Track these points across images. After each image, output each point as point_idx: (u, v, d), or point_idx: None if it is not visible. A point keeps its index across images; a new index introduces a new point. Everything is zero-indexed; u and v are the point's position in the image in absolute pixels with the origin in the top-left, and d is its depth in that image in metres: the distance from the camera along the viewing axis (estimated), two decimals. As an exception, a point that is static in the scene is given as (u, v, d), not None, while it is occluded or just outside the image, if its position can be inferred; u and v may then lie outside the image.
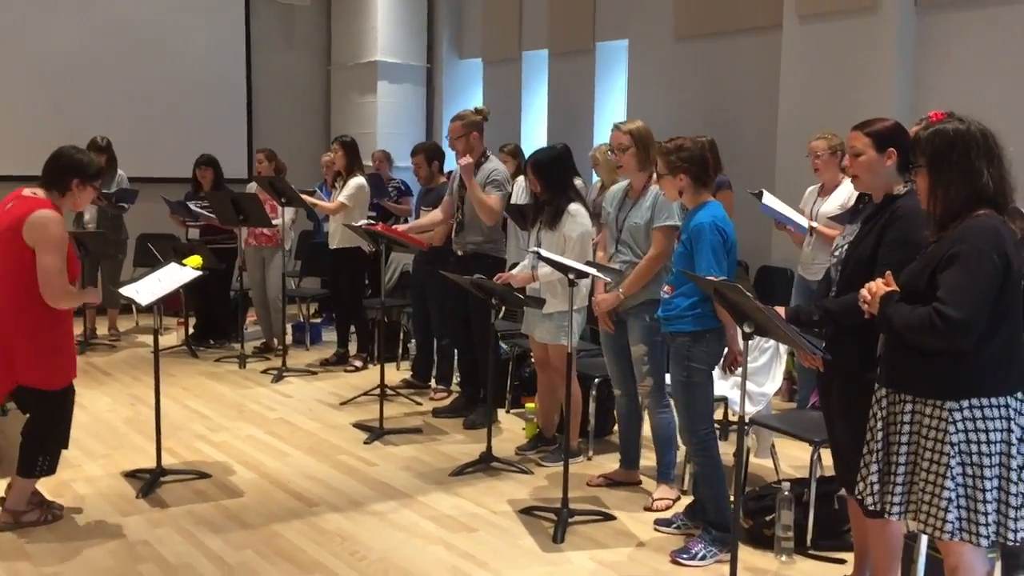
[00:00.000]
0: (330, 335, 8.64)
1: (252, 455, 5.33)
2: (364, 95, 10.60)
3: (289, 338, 7.95)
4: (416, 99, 10.73)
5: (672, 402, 4.52)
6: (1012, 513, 2.67)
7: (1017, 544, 2.70)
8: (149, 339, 8.47)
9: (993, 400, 2.68)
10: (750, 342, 3.40)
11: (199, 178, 8.19)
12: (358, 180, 7.18)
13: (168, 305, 6.06)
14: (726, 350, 4.12)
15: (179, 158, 8.96)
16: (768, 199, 5.58)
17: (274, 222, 7.42)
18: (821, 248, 5.57)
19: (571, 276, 4.25)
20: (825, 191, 5.73)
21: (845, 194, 5.52)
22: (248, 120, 10.65)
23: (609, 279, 4.45)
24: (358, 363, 7.50)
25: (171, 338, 8.19)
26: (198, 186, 8.20)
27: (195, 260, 4.98)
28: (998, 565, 2.90)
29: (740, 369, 4.87)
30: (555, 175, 5.03)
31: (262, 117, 10.71)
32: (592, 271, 4.29)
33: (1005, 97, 5.80)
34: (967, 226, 2.68)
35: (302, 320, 8.69)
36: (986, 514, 2.67)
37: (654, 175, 4.53)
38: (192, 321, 8.25)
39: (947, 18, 6.28)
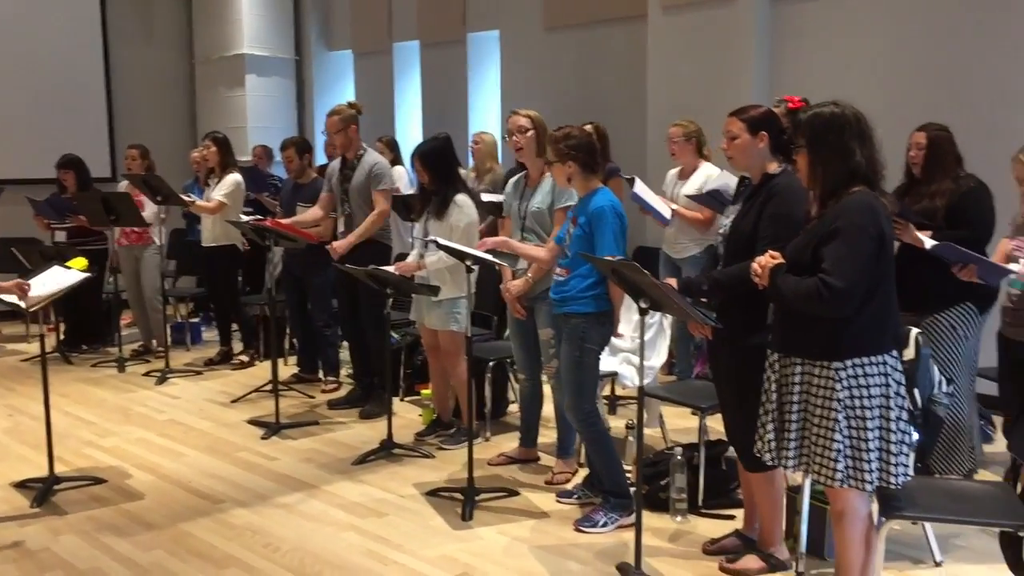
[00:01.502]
0: (211, 334, 8.51)
1: (147, 458, 5.24)
2: (232, 89, 10.40)
3: (168, 339, 7.77)
4: (286, 92, 10.60)
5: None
6: (892, 460, 2.96)
7: (899, 487, 3.00)
8: (15, 347, 8.21)
9: (873, 359, 2.96)
10: (636, 318, 3.62)
11: (61, 180, 7.89)
12: (235, 177, 7.11)
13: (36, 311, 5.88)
14: None
15: (39, 158, 8.62)
16: (639, 187, 5.83)
17: (147, 220, 7.28)
18: (684, 229, 5.89)
19: (468, 263, 4.38)
20: (684, 174, 6.03)
21: (702, 177, 5.84)
22: (109, 117, 10.30)
23: (505, 264, 4.60)
24: (245, 359, 7.42)
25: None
26: (63, 188, 7.90)
27: (79, 262, 4.86)
28: (875, 507, 3.19)
29: (628, 345, 5.14)
30: (442, 166, 5.13)
31: (123, 113, 10.37)
32: (488, 257, 4.43)
33: (855, 82, 6.24)
34: (845, 203, 2.95)
35: (180, 320, 8.51)
36: (870, 462, 2.95)
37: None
38: (63, 327, 7.96)
39: (801, 8, 6.69)
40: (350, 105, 6.00)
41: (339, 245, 5.75)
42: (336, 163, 6.08)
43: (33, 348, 7.94)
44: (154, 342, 7.82)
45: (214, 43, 10.55)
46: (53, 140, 8.82)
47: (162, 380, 6.94)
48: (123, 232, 7.54)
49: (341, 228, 6.01)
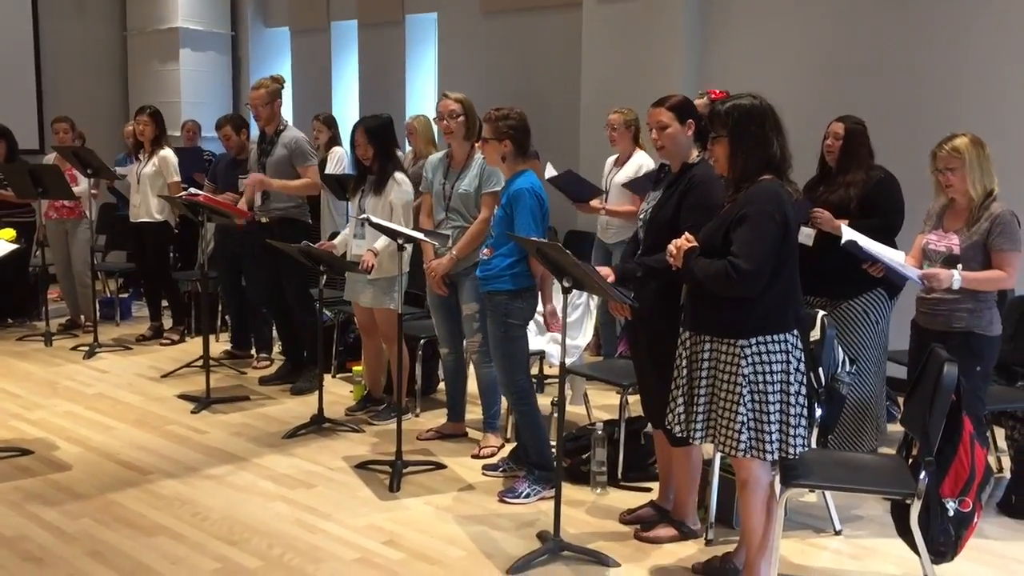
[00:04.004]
0: (140, 310, 8.48)
1: (74, 430, 5.25)
2: (165, 63, 10.28)
3: (96, 314, 7.72)
4: (221, 68, 10.51)
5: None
6: (791, 431, 3.16)
7: (796, 457, 3.21)
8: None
9: (776, 337, 3.15)
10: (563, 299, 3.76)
11: (-10, 150, 7.76)
12: (171, 152, 7.11)
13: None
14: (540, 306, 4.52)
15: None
16: (548, 171, 5.96)
17: (76, 193, 7.22)
18: (615, 216, 6.04)
19: (400, 241, 4.48)
20: (620, 161, 6.19)
21: (635, 166, 6.00)
22: (37, 89, 10.12)
23: (437, 243, 4.71)
24: (175, 336, 7.42)
25: (-35, 318, 7.77)
26: (-10, 158, 7.78)
27: (8, 233, 4.85)
28: (777, 477, 3.38)
29: (555, 324, 5.30)
30: (385, 142, 5.22)
31: (53, 86, 10.19)
32: (420, 236, 4.54)
33: (781, 72, 6.48)
34: (754, 190, 3.13)
35: (109, 295, 8.45)
36: (771, 433, 3.15)
37: (476, 144, 4.83)
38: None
39: (729, 0, 6.90)
40: (273, 79, 6.04)
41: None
42: (257, 138, 6.12)
43: (-43, 321, 7.82)
44: (82, 317, 7.76)
45: (148, 16, 10.41)
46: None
47: (91, 354, 6.91)
48: (52, 205, 7.46)
49: (258, 203, 6.02)
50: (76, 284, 7.66)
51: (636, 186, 5.77)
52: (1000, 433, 4.79)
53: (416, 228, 4.87)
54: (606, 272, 3.65)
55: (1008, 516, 4.19)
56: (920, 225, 4.21)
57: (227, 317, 7.62)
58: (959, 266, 3.84)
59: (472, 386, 5.19)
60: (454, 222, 4.81)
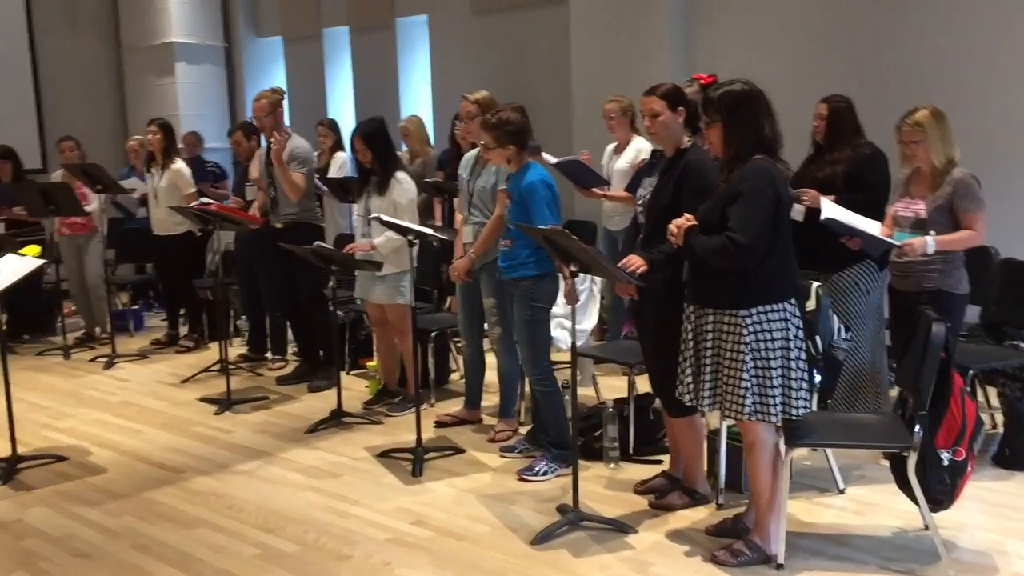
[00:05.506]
0: (151, 320, 8.69)
1: (105, 436, 5.45)
2: (161, 77, 10.46)
3: (109, 327, 7.91)
4: (216, 80, 10.69)
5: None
6: (793, 394, 3.37)
7: (798, 419, 3.42)
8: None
9: (775, 306, 3.36)
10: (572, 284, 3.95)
11: (-3, 172, 7.95)
12: (183, 165, 7.29)
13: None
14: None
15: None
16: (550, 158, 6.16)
17: (87, 209, 7.41)
18: (618, 203, 6.23)
19: (410, 238, 4.68)
20: (619, 149, 6.38)
21: (634, 151, 6.18)
22: (37, 109, 10.30)
23: (445, 237, 4.90)
24: (190, 343, 7.60)
25: (-18, 335, 7.94)
26: (-2, 179, 7.96)
27: (33, 249, 5.04)
28: (781, 438, 3.59)
29: (561, 311, 5.50)
30: (382, 144, 5.41)
31: (52, 104, 10.38)
32: (430, 232, 4.74)
33: (766, 56, 6.68)
34: (747, 169, 3.34)
35: (122, 307, 8.64)
36: (774, 397, 3.36)
37: None
38: (4, 317, 8.02)
39: (713, -10, 7.11)
40: (273, 91, 6.25)
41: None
42: (264, 147, 6.31)
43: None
44: (97, 329, 7.96)
45: (142, 31, 10.59)
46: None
47: (110, 365, 7.11)
48: (64, 222, 7.64)
49: (270, 210, 6.21)
50: (91, 297, 7.85)
51: (569, 168, 5.93)
52: (992, 392, 5.02)
53: (426, 224, 5.04)
54: (638, 262, 3.73)
55: (1002, 467, 4.41)
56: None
57: (238, 323, 7.82)
58: (932, 232, 4.05)
59: (488, 375, 5.38)
60: (475, 218, 4.96)
